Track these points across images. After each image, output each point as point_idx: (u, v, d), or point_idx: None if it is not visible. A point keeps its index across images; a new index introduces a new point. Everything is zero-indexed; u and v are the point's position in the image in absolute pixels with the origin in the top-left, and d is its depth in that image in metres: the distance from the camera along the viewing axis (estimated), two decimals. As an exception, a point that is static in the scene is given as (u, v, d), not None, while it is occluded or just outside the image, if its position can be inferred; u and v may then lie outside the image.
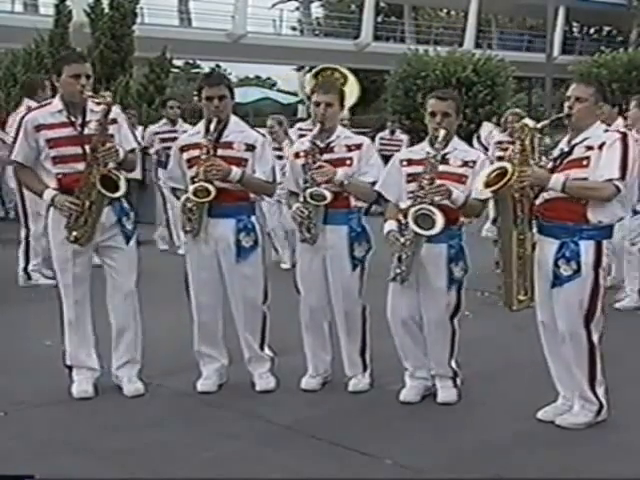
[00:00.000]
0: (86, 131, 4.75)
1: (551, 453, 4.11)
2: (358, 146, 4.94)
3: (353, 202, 4.93)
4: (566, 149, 4.38)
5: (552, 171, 4.35)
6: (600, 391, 4.40)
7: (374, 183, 4.87)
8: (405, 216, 4.59)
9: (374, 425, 4.48)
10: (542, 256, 4.39)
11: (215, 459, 4.07)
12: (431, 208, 4.46)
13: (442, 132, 4.58)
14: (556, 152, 4.45)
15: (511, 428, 4.42)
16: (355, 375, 5.03)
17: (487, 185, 4.26)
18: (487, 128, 13.17)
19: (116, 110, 4.87)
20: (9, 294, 7.41)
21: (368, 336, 5.04)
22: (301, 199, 4.89)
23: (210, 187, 4.72)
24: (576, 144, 4.34)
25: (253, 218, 4.96)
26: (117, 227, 4.88)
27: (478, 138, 12.45)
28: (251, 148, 4.88)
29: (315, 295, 5.01)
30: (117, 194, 4.75)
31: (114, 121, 4.82)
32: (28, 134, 4.77)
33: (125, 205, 4.95)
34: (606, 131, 4.38)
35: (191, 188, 4.78)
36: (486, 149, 10.75)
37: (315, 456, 4.12)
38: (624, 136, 4.31)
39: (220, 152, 4.80)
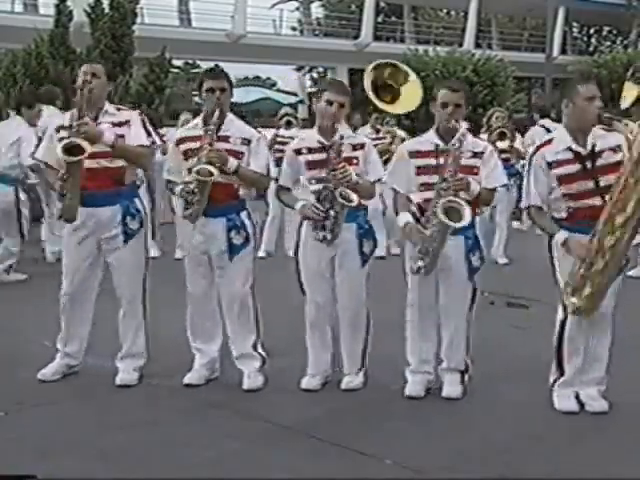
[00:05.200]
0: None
1: (551, 453, 4.11)
2: (362, 145, 4.98)
3: (361, 200, 4.96)
4: (583, 151, 4.46)
5: (587, 174, 4.45)
6: None
7: (374, 182, 4.96)
8: (421, 209, 4.70)
9: (374, 425, 4.48)
10: None
11: (215, 459, 4.07)
12: (459, 201, 4.53)
13: (463, 124, 4.66)
14: (561, 156, 4.50)
15: (511, 428, 4.42)
16: (350, 373, 5.05)
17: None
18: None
19: (131, 114, 5.13)
20: (8, 294, 7.42)
21: (370, 336, 5.05)
22: (312, 198, 4.90)
23: (212, 169, 4.74)
24: (593, 146, 4.45)
25: (243, 214, 4.98)
26: (120, 225, 4.99)
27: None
28: (247, 142, 4.93)
29: (322, 294, 5.01)
30: (79, 157, 4.77)
31: (126, 122, 5.01)
32: (53, 135, 5.06)
33: (135, 205, 5.07)
34: (604, 129, 4.54)
35: (194, 169, 4.77)
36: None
37: (315, 456, 4.11)
38: (627, 140, 4.47)
39: (217, 145, 4.83)
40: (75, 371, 5.23)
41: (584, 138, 4.48)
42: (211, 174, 4.72)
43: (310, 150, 4.95)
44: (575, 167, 4.49)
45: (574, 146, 4.50)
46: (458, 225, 4.50)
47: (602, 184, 4.43)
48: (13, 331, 6.17)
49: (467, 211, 4.49)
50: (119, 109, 5.12)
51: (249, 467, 3.97)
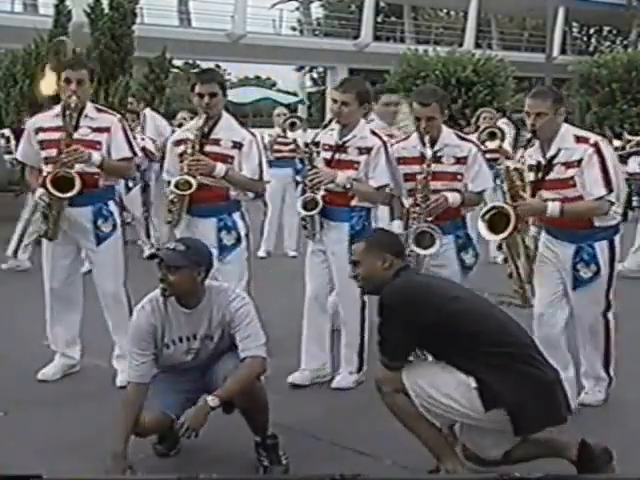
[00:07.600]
0: (75, 135, 4.86)
1: (551, 453, 4.10)
2: (368, 150, 4.92)
3: (355, 201, 4.94)
4: (543, 161, 4.44)
5: (534, 184, 4.42)
6: (611, 367, 4.66)
7: (379, 188, 4.91)
8: (408, 214, 4.71)
9: (374, 425, 4.47)
10: (553, 256, 4.53)
11: (215, 459, 4.06)
12: (432, 227, 4.59)
13: (427, 138, 4.67)
14: (531, 161, 4.49)
15: (511, 428, 4.41)
16: (343, 372, 5.06)
17: (491, 228, 4.33)
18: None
19: (112, 120, 5.01)
20: (8, 294, 7.42)
21: (367, 336, 5.04)
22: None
23: (192, 180, 4.77)
24: (552, 158, 4.39)
25: (235, 215, 4.98)
26: (91, 228, 4.99)
27: None
28: (238, 146, 4.92)
29: (313, 288, 5.04)
30: (67, 194, 4.80)
31: (106, 130, 4.95)
32: (30, 136, 5.03)
33: (108, 207, 5.05)
34: (578, 138, 4.41)
35: (173, 180, 4.84)
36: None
37: (315, 456, 4.12)
38: (597, 149, 4.36)
39: (207, 148, 4.86)
40: (75, 371, 5.23)
41: (547, 145, 4.42)
42: (190, 186, 4.74)
43: (326, 147, 5.02)
44: (532, 175, 4.47)
45: (536, 150, 4.48)
46: (427, 252, 4.57)
47: (543, 196, 4.41)
48: (13, 331, 6.17)
49: (438, 240, 4.57)
50: (100, 110, 5.06)
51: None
